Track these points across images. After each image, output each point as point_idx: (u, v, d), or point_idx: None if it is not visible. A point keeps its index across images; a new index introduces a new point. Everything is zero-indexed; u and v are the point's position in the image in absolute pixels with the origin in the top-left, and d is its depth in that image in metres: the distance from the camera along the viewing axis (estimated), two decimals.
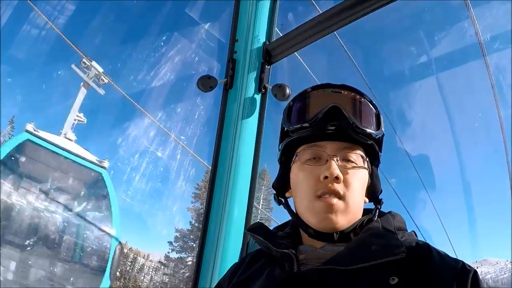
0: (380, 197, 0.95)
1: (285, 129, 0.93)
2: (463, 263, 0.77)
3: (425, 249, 0.80)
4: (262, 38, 1.66)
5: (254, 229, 0.94)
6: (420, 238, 0.91)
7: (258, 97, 1.56)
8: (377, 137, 0.91)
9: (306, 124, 0.88)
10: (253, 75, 1.57)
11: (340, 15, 1.57)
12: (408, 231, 0.90)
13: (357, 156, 0.88)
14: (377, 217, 0.91)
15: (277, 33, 1.72)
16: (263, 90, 1.55)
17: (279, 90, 1.52)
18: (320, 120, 0.86)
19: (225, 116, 1.54)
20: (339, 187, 0.83)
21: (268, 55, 1.61)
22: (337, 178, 0.83)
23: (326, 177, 0.83)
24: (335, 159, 0.85)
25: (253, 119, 1.52)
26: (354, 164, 0.87)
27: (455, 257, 0.80)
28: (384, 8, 1.58)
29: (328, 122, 0.86)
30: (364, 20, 1.62)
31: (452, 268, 0.75)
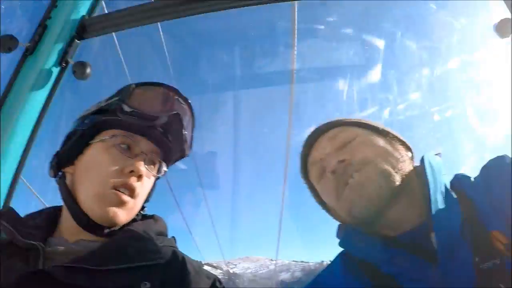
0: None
1: (111, 107, 0.87)
2: (216, 278, 0.84)
3: (181, 258, 0.83)
4: (83, 10, 1.55)
5: (1, 214, 0.85)
6: None
7: (56, 70, 1.44)
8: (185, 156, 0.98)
9: (149, 114, 0.86)
10: (59, 46, 1.45)
11: (172, 7, 1.53)
12: (169, 237, 0.92)
13: (160, 163, 0.92)
14: (140, 220, 0.92)
15: (104, 11, 1.63)
16: (64, 65, 1.44)
17: (79, 68, 1.42)
18: (160, 118, 0.86)
19: (15, 82, 1.40)
20: (137, 184, 0.83)
21: (83, 29, 1.50)
22: (140, 176, 0.83)
23: (131, 171, 0.82)
24: (145, 158, 0.86)
25: (43, 92, 1.40)
26: (154, 169, 0.90)
27: None
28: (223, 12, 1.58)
29: (162, 123, 0.87)
30: (193, 20, 1.60)
31: (205, 281, 0.81)
